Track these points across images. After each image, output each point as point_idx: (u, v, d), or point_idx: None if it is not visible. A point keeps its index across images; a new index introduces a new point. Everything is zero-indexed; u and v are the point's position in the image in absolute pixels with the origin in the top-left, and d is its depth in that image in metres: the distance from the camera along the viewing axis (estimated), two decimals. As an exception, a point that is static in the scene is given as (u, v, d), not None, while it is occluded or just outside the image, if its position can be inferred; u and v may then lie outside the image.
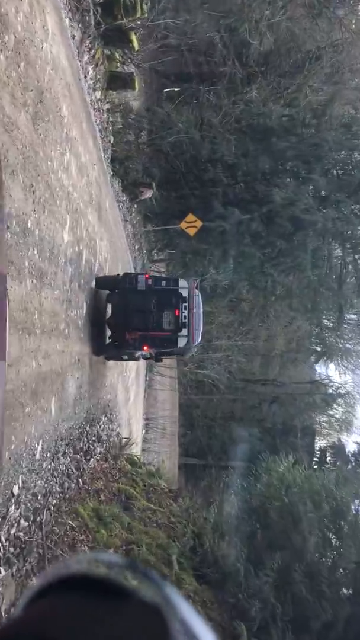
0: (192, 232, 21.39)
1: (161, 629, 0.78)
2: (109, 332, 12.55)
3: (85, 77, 11.46)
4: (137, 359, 13.93)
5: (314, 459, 45.96)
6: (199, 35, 25.29)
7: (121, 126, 15.83)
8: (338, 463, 44.39)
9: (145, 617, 0.82)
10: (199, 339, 12.40)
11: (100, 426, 14.86)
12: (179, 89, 24.28)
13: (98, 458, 13.73)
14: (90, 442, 13.07)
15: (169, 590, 0.85)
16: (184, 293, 11.33)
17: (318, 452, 46.23)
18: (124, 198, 18.11)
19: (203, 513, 13.24)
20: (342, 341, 43.52)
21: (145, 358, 14.45)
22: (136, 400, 25.16)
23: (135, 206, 20.02)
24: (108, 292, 12.03)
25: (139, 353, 12.52)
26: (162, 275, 16.44)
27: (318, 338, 46.30)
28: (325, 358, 45.12)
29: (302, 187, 22.59)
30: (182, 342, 11.57)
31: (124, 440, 18.83)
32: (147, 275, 11.77)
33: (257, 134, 23.84)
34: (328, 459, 45.09)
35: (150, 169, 21.02)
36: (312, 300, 25.62)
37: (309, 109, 23.91)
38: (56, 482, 9.31)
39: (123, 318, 11.40)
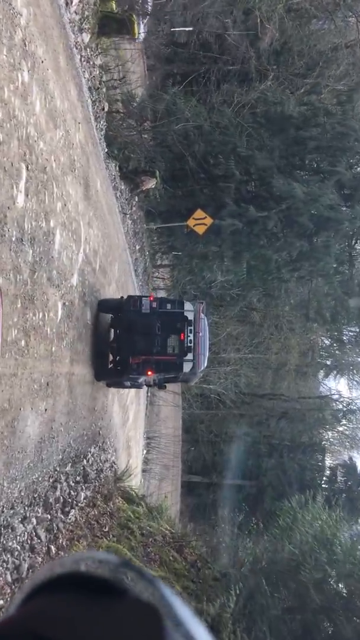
0: (200, 230, 18.17)
1: (156, 627, 0.76)
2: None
3: (68, 4, 8.28)
4: (139, 386, 12.59)
5: (324, 477, 42.54)
6: (209, 20, 22.28)
7: (120, 98, 12.73)
8: (349, 483, 40.99)
9: (140, 616, 0.79)
10: (205, 364, 11.47)
11: (87, 461, 11.58)
12: (185, 75, 21.13)
13: (83, 505, 10.39)
14: (71, 487, 9.76)
15: (164, 589, 0.82)
16: (190, 316, 10.63)
17: (328, 471, 42.76)
18: (123, 187, 14.92)
19: (218, 591, 9.76)
20: (353, 355, 40.32)
21: (148, 385, 13.01)
22: (136, 420, 21.87)
23: (137, 200, 16.84)
24: (111, 316, 11.29)
25: (141, 379, 11.40)
26: (167, 298, 14.89)
27: (327, 351, 43.04)
28: (335, 372, 41.88)
29: (325, 182, 19.39)
30: (187, 367, 10.74)
31: (119, 472, 15.52)
32: (151, 298, 11.04)
33: (273, 125, 20.68)
34: (339, 478, 41.63)
35: (154, 160, 17.87)
36: (332, 310, 22.31)
37: (333, 96, 20.80)
38: (7, 568, 6.02)
39: (127, 342, 10.64)
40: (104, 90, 11.28)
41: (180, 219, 18.61)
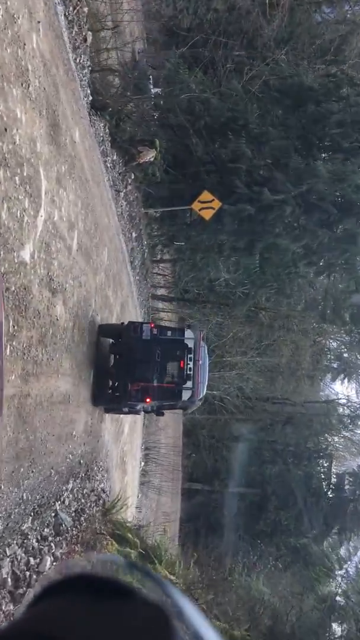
0: (207, 215, 15.09)
1: (164, 627, 0.74)
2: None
3: None
4: (137, 412, 12.28)
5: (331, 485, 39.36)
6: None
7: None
8: (358, 493, 37.83)
9: (148, 616, 0.77)
10: (204, 392, 11.21)
11: (64, 502, 8.52)
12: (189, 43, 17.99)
13: (50, 569, 7.27)
14: (31, 551, 6.67)
15: (172, 589, 0.81)
16: (190, 344, 10.37)
17: (334, 479, 39.59)
18: (115, 157, 11.86)
19: None
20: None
21: (146, 412, 12.36)
22: (133, 431, 18.78)
23: (132, 177, 13.77)
24: (111, 342, 10.79)
25: (140, 405, 10.85)
26: (168, 325, 14.61)
27: (334, 354, 39.91)
28: (343, 376, 38.75)
29: (348, 162, 16.30)
30: (186, 395, 10.41)
31: (109, 501, 12.44)
32: (152, 325, 10.81)
33: (290, 98, 17.59)
34: (346, 487, 38.47)
35: (155, 135, 14.79)
36: (352, 310, 19.22)
37: (356, 70, 17.73)
38: None
39: (126, 368, 10.29)
40: (85, 15, 8.25)
41: (183, 204, 15.53)
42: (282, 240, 15.71)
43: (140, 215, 15.07)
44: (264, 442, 39.27)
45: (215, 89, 18.00)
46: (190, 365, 10.12)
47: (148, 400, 10.20)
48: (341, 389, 41.30)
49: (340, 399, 40.56)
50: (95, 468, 11.58)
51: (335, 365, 38.93)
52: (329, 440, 41.59)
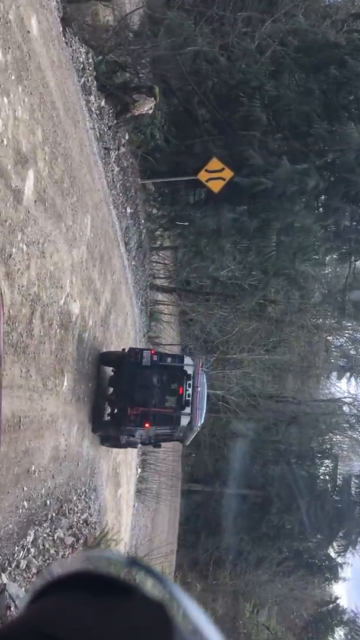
0: (216, 186, 12.27)
1: (165, 625, 0.72)
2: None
3: None
4: (135, 445, 11.75)
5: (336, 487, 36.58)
6: None
7: None
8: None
9: (149, 613, 0.75)
10: (202, 421, 10.75)
11: (18, 565, 5.76)
12: None
13: None
14: None
15: (173, 586, 0.78)
16: (189, 371, 10.14)
17: (340, 481, 36.82)
18: (103, 103, 9.03)
19: None
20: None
21: (144, 444, 11.64)
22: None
23: (127, 137, 10.96)
24: (112, 372, 10.46)
25: (138, 432, 10.17)
26: (168, 352, 13.86)
27: (340, 351, 37.09)
28: (349, 374, 35.97)
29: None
30: (184, 421, 9.99)
31: (93, 537, 9.67)
32: (152, 351, 10.51)
33: (311, 57, 14.77)
34: (353, 490, 35.69)
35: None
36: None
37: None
38: None
39: (126, 393, 9.88)
40: None
41: (187, 175, 12.72)
42: (304, 219, 12.89)
43: (136, 187, 12.23)
44: (267, 442, 36.61)
45: (223, 50, 15.16)
46: (189, 391, 9.92)
47: (147, 425, 9.78)
48: (347, 388, 38.44)
49: (347, 397, 37.84)
50: (75, 497, 8.82)
51: (341, 363, 36.16)
52: (334, 440, 38.88)
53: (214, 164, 12.05)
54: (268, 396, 30.81)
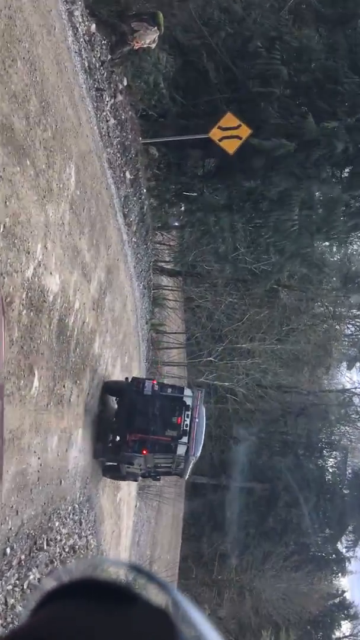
0: (231, 147, 10.19)
1: (169, 632, 0.70)
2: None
3: None
4: (135, 478, 11.55)
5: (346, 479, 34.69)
6: None
7: None
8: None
9: (152, 621, 0.73)
10: (199, 452, 10.63)
11: None
12: None
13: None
14: None
15: (176, 593, 0.75)
16: (188, 402, 10.23)
17: (350, 474, 34.94)
18: (93, 29, 6.98)
19: None
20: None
21: (143, 476, 11.34)
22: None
23: (125, 82, 8.90)
24: (117, 404, 10.54)
25: (137, 461, 10.11)
26: (169, 383, 13.19)
27: (350, 340, 35.02)
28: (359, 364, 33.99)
29: None
30: (181, 450, 10.04)
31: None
32: (154, 381, 10.65)
33: (336, 9, 12.67)
34: (363, 484, 33.79)
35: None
36: None
37: None
38: None
39: (126, 419, 10.03)
40: None
41: (197, 133, 10.64)
42: (332, 187, 10.83)
43: (137, 149, 10.17)
44: (275, 433, 34.79)
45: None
46: (187, 422, 9.96)
47: (144, 451, 9.86)
48: (358, 378, 36.35)
49: (357, 388, 35.87)
50: (58, 523, 6.88)
51: (352, 353, 34.12)
52: (343, 431, 36.96)
53: (229, 119, 9.99)
54: (276, 387, 28.86)
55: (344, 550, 34.68)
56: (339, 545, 34.69)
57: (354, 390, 35.72)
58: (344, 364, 35.33)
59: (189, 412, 10.04)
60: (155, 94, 9.81)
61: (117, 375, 11.05)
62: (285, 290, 18.54)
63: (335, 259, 16.04)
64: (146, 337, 15.37)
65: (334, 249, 14.09)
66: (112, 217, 9.13)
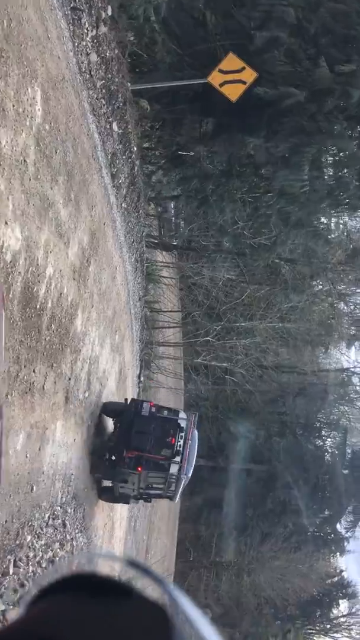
0: (234, 93, 8.74)
1: (164, 627, 0.69)
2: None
3: None
4: (127, 500, 11.39)
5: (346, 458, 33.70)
6: None
7: None
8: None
9: (148, 615, 0.72)
10: (190, 474, 10.78)
11: None
12: None
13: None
14: None
15: (172, 588, 0.74)
16: (183, 424, 10.53)
17: (349, 454, 33.91)
18: None
19: None
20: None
21: (136, 499, 11.49)
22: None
23: (110, 12, 7.43)
24: (114, 426, 10.78)
25: (131, 480, 10.43)
26: (165, 406, 12.89)
27: (350, 318, 33.73)
28: (359, 343, 32.79)
29: None
30: (174, 469, 10.36)
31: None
32: (151, 404, 11.05)
33: None
34: (363, 464, 32.79)
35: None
36: None
37: None
38: None
39: (124, 437, 10.30)
40: None
41: (193, 78, 9.14)
42: (348, 142, 9.38)
43: (125, 96, 8.69)
44: (273, 414, 33.68)
45: None
46: (181, 442, 10.22)
47: (139, 468, 10.12)
48: (357, 357, 35.13)
49: (356, 367, 34.74)
50: (30, 536, 5.57)
51: (352, 332, 32.86)
52: (342, 411, 35.89)
53: (231, 61, 8.52)
54: (274, 366, 27.60)
55: (343, 531, 33.76)
56: (338, 526, 33.76)
57: (353, 369, 34.60)
58: (343, 342, 34.19)
59: (183, 434, 10.32)
60: (146, 31, 8.30)
61: (106, 358, 9.69)
62: (287, 265, 17.14)
63: (340, 231, 14.63)
64: (139, 315, 13.99)
65: (350, 216, 12.65)
66: (97, 172, 7.67)
